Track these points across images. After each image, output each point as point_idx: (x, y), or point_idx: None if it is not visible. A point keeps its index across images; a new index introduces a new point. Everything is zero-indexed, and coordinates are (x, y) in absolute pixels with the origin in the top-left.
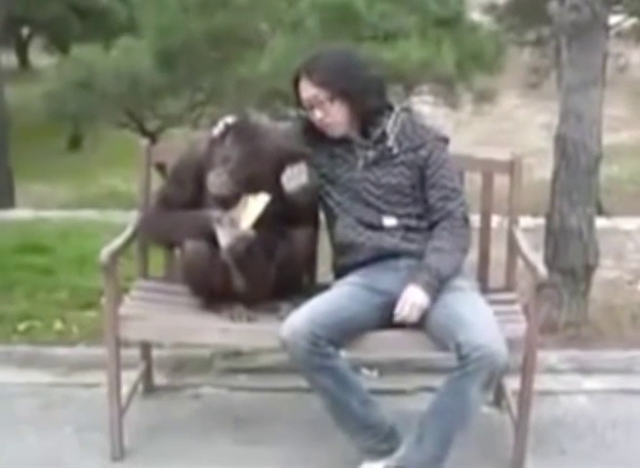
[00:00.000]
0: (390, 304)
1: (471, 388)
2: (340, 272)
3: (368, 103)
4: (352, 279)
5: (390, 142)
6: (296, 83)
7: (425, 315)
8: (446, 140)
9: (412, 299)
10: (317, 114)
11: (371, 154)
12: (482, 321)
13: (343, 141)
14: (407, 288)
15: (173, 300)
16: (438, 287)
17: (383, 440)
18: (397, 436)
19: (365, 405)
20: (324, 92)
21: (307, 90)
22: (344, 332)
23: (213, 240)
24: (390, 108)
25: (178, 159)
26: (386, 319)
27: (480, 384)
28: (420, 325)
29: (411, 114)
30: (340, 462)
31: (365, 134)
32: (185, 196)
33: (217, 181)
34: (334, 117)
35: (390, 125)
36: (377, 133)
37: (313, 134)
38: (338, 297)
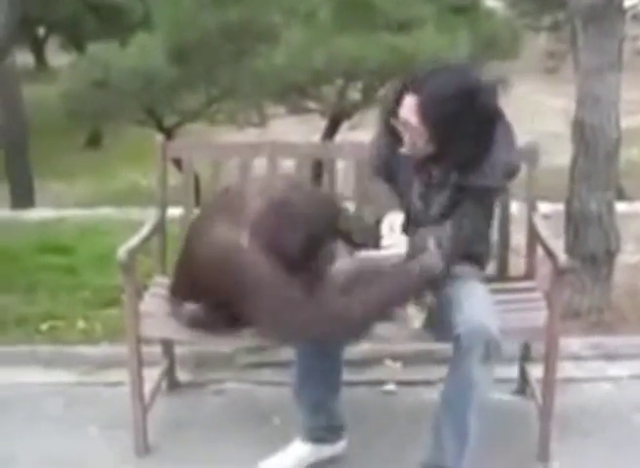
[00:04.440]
0: None
1: (471, 366)
2: None
3: (458, 153)
4: None
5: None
6: (400, 92)
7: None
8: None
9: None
10: (406, 135)
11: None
12: (470, 301)
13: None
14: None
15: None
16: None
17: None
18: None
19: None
20: (426, 130)
21: (410, 114)
22: None
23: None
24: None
25: None
26: None
27: (478, 360)
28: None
29: None
30: (364, 456)
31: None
32: None
33: None
34: (420, 148)
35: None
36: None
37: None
38: None
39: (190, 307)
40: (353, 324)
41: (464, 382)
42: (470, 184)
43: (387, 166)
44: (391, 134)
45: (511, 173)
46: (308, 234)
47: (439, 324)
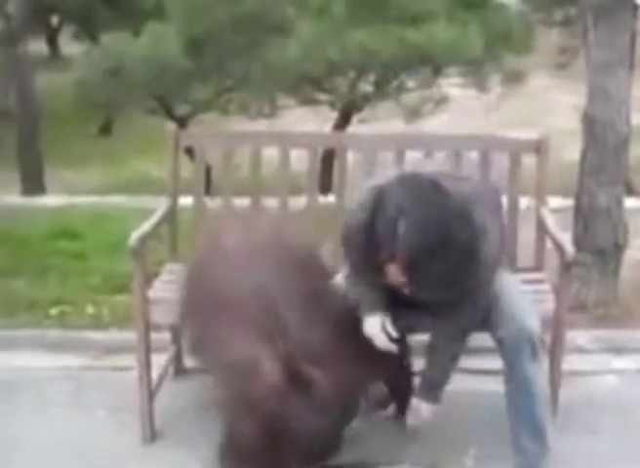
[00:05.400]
0: None
1: (524, 366)
2: None
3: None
4: None
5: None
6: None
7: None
8: None
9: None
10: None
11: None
12: (507, 298)
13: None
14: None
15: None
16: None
17: None
18: None
19: None
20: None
21: (397, 277)
22: None
23: None
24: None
25: None
26: None
27: (528, 359)
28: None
29: None
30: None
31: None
32: None
33: None
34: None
35: None
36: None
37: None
38: None
39: None
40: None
41: (523, 383)
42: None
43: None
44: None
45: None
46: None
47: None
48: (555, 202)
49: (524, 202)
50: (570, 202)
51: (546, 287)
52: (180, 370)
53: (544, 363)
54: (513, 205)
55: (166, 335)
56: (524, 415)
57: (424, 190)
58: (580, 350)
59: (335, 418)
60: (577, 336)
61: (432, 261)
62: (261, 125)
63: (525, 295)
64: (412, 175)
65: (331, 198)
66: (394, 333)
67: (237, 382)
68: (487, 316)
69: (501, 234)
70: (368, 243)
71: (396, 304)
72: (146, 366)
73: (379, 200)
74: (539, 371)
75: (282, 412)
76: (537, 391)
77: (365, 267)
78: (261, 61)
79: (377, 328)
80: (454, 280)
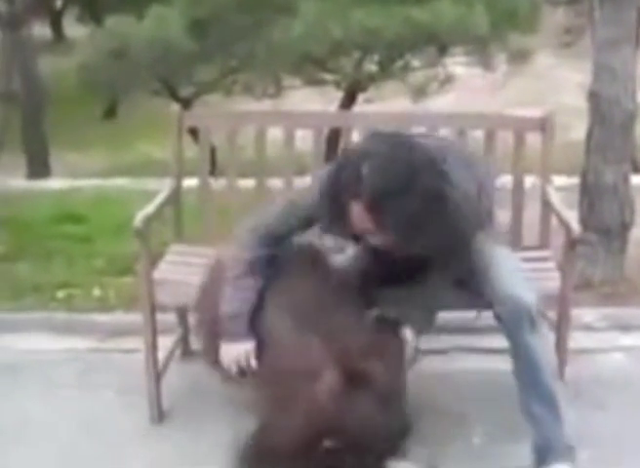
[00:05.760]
0: None
1: (525, 339)
2: None
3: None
4: None
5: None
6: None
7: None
8: None
9: None
10: (369, 239)
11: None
12: (499, 272)
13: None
14: None
15: (208, 263)
16: None
17: None
18: None
19: None
20: (384, 232)
21: (363, 222)
22: None
23: None
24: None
25: None
26: None
27: (529, 331)
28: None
29: None
30: None
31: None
32: None
33: None
34: (379, 243)
35: None
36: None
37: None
38: None
39: None
40: None
41: (526, 355)
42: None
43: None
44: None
45: (488, 197)
46: None
47: (467, 291)
48: (561, 180)
49: (529, 180)
50: (575, 180)
51: (551, 264)
52: (186, 352)
53: (550, 338)
54: (518, 183)
55: (172, 317)
56: (531, 385)
57: (389, 137)
58: (587, 328)
59: (398, 406)
60: (583, 314)
61: (396, 199)
62: (266, 106)
63: (519, 270)
64: (376, 130)
65: None
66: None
67: (290, 387)
68: (465, 283)
69: (480, 193)
70: (333, 190)
71: (372, 283)
72: (153, 347)
73: (345, 155)
74: (540, 342)
75: (345, 416)
76: (540, 360)
77: (332, 220)
78: (266, 41)
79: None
80: (419, 225)
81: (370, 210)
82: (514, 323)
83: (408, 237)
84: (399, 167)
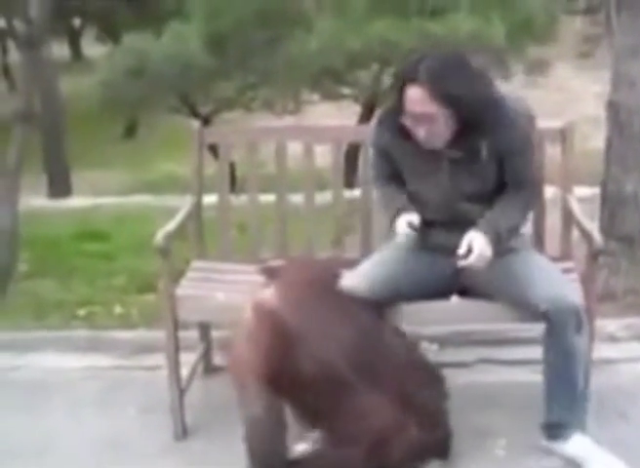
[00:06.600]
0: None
1: (570, 338)
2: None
3: (479, 120)
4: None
5: (482, 155)
6: (401, 88)
7: (487, 284)
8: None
9: (476, 244)
10: (422, 131)
11: (459, 165)
12: (541, 274)
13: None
14: (468, 233)
15: (229, 279)
16: (495, 239)
17: None
18: None
19: None
20: (446, 110)
21: (424, 105)
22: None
23: None
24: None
25: None
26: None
27: (574, 331)
28: (483, 294)
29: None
30: None
31: (458, 144)
32: None
33: None
34: (440, 134)
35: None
36: (473, 145)
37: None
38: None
39: None
40: None
41: (568, 352)
42: (507, 140)
43: (395, 168)
44: (397, 134)
45: (531, 120)
46: None
47: (496, 296)
48: (581, 191)
49: (550, 191)
50: (596, 191)
51: (574, 276)
52: (209, 368)
53: None
54: (540, 194)
55: (194, 334)
56: (564, 387)
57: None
58: (611, 338)
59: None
60: (607, 324)
61: (451, 72)
62: (286, 122)
63: (562, 274)
64: None
65: (356, 192)
66: (418, 228)
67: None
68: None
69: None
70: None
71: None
72: (175, 364)
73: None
74: (584, 344)
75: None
76: (579, 365)
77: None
78: (284, 56)
79: (404, 226)
80: (471, 90)
81: (426, 83)
82: (562, 322)
83: (461, 104)
84: (455, 59)
